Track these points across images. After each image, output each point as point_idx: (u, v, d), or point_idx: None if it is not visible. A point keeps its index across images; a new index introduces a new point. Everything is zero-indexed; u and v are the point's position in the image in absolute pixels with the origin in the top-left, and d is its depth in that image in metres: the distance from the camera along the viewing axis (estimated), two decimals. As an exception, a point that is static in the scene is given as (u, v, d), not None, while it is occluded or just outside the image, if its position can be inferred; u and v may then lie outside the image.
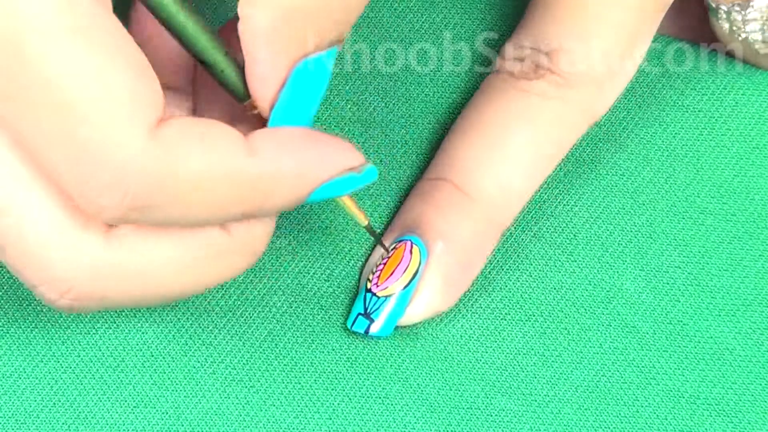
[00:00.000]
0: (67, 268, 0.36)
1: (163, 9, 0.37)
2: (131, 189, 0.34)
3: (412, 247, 0.43)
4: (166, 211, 0.35)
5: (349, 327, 0.43)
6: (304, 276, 0.44)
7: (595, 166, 0.46)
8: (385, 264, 0.43)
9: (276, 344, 0.44)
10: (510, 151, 0.43)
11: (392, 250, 0.43)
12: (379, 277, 0.43)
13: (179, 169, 0.35)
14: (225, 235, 0.38)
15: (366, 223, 0.42)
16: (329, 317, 0.44)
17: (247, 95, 0.38)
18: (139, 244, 0.37)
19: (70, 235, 0.36)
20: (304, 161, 0.37)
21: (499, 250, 0.45)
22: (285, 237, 0.45)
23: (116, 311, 0.44)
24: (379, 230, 0.45)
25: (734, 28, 0.44)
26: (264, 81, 0.37)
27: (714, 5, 0.44)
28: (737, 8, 0.44)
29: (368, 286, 0.43)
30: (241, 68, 0.38)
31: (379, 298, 0.43)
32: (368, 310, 0.43)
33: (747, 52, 0.46)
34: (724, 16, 0.44)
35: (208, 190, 0.35)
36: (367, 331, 0.43)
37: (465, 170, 0.43)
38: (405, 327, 0.44)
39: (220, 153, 0.35)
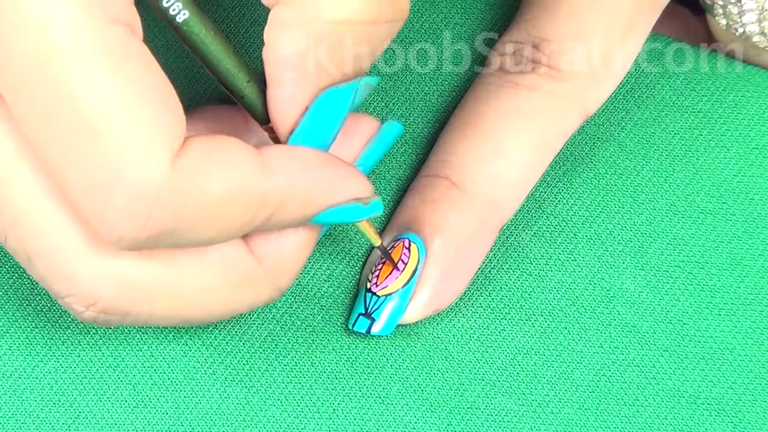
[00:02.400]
0: (95, 281, 0.37)
1: (189, 33, 0.37)
2: (152, 217, 0.35)
3: (410, 245, 0.43)
4: (183, 236, 0.36)
5: (350, 327, 0.43)
6: (304, 276, 0.44)
7: (595, 165, 0.46)
8: (384, 263, 0.43)
9: (276, 344, 0.44)
10: (504, 146, 0.43)
11: (390, 248, 0.43)
12: (378, 276, 0.43)
13: (200, 195, 0.35)
14: (255, 264, 0.38)
15: (379, 243, 0.42)
16: (329, 317, 0.44)
17: (268, 119, 0.38)
18: (168, 263, 0.37)
19: (100, 249, 0.36)
20: (316, 183, 0.37)
21: (499, 249, 0.45)
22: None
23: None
24: (376, 229, 0.45)
25: (731, 22, 0.44)
26: (285, 108, 0.37)
27: (709, 2, 0.44)
28: (733, 0, 0.44)
29: (368, 286, 0.43)
30: (263, 92, 0.38)
31: (379, 297, 0.43)
32: (369, 310, 0.43)
33: (747, 51, 0.46)
34: (720, 11, 0.44)
35: (225, 212, 0.36)
36: (368, 331, 0.43)
37: (460, 166, 0.43)
38: (405, 326, 0.44)
39: (238, 175, 0.35)
